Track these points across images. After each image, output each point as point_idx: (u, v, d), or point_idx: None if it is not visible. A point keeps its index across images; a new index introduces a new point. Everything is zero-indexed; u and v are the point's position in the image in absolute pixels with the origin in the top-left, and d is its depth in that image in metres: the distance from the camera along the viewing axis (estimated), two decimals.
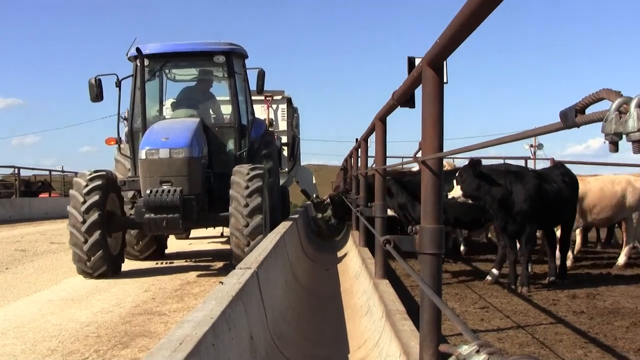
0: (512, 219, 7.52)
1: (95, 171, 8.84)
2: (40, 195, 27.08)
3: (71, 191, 8.60)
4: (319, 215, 15.98)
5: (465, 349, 1.55)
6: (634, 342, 5.15)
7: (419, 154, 3.18)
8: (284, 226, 8.86)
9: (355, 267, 8.08)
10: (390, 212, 9.26)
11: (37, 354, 4.80)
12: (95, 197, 8.47)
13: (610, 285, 7.93)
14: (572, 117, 1.48)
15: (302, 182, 18.17)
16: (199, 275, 8.77)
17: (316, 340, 5.01)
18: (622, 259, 9.52)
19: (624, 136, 1.28)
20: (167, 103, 10.83)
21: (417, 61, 3.44)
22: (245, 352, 3.41)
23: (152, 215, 8.44)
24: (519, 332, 5.41)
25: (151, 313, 6.30)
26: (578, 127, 1.49)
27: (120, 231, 9.38)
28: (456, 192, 7.57)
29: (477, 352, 1.52)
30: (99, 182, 8.62)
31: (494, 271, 8.02)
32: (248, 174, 8.74)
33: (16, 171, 25.03)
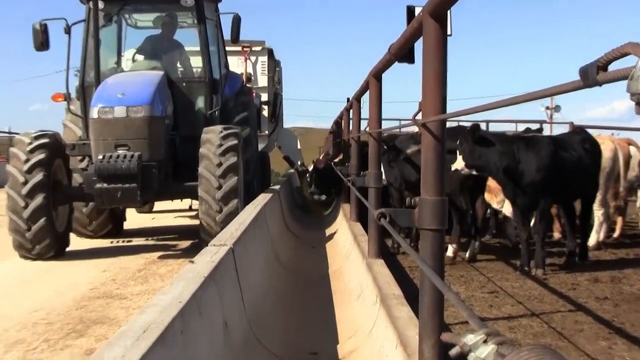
0: (522, 191, 7.61)
1: (41, 130, 8.81)
2: None
3: (12, 149, 8.55)
4: (309, 191, 16.06)
5: (470, 339, 1.53)
6: None
7: (419, 116, 3.21)
8: (264, 198, 8.91)
9: (345, 245, 8.18)
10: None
11: None
12: (40, 156, 8.42)
13: (638, 267, 8.07)
14: (594, 75, 1.49)
15: (285, 147, 18.19)
16: (164, 254, 8.85)
17: (301, 329, 5.09)
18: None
19: None
20: (127, 54, 10.73)
21: (418, 10, 3.45)
22: (219, 341, 3.47)
23: (105, 185, 8.28)
24: (533, 321, 5.51)
25: (110, 296, 6.36)
26: (600, 85, 1.50)
27: (66, 204, 9.24)
28: (459, 163, 7.64)
29: (485, 342, 1.50)
30: (45, 140, 8.58)
31: (453, 245, 8.28)
32: (221, 132, 8.77)
33: None
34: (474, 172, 7.80)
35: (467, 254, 8.43)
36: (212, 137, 8.71)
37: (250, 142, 10.66)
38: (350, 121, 10.65)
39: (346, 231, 8.75)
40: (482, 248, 8.86)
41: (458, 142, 7.63)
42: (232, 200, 8.34)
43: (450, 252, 8.20)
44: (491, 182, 8.72)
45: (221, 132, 8.78)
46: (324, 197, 15.10)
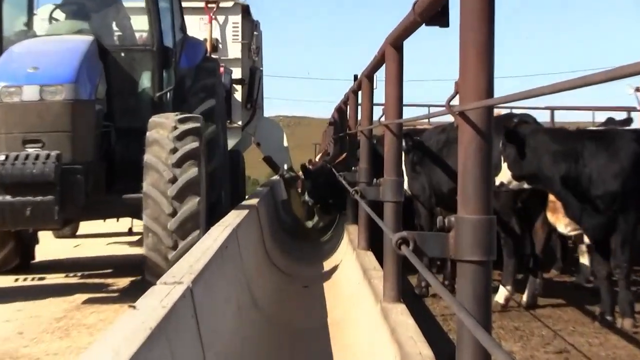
0: (593, 207, 7.55)
1: None
2: None
3: None
4: (309, 224, 16.01)
5: None
6: None
7: (455, 101, 3.24)
8: (236, 216, 8.91)
9: (351, 283, 8.19)
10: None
11: None
12: None
13: None
14: None
15: (267, 144, 18.15)
16: (93, 297, 8.84)
17: None
18: None
19: None
20: (41, 11, 10.76)
21: None
22: None
23: (8, 197, 8.20)
24: None
25: (15, 358, 6.35)
26: None
27: None
28: (504, 174, 7.64)
29: None
30: None
31: (506, 287, 8.23)
32: (175, 127, 8.75)
33: None
34: (526, 186, 7.81)
35: (525, 298, 8.44)
36: (162, 135, 8.69)
37: (217, 143, 10.66)
38: (359, 108, 10.67)
39: (352, 264, 8.76)
40: (545, 288, 8.86)
41: (500, 144, 7.61)
42: (191, 231, 8.34)
43: (501, 295, 8.21)
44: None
45: (175, 127, 8.77)
46: (321, 223, 15.05)
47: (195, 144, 8.65)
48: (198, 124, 8.83)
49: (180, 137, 8.67)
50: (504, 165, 7.63)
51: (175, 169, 8.48)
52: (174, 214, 8.38)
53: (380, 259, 7.04)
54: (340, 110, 15.13)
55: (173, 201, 8.39)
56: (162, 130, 8.74)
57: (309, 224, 15.51)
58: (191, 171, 8.49)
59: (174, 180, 8.44)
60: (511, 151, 7.57)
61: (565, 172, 7.51)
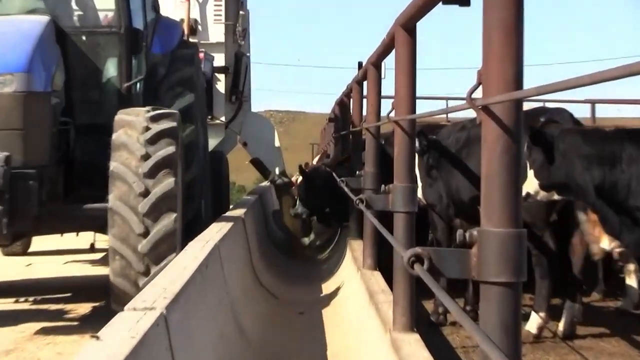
0: (634, 220, 7.56)
1: None
2: None
3: None
4: (306, 241, 15.84)
5: None
6: None
7: (477, 94, 3.24)
8: (218, 230, 8.92)
9: (355, 309, 8.18)
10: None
11: None
12: None
13: None
14: None
15: (255, 144, 18.12)
16: (48, 326, 8.80)
17: None
18: None
19: None
20: None
21: None
22: None
23: None
24: None
25: None
26: None
27: None
28: (531, 183, 7.62)
29: None
30: None
31: (539, 313, 8.21)
32: (147, 128, 8.73)
33: None
34: (556, 197, 7.81)
35: (561, 326, 8.43)
36: (131, 138, 8.63)
37: (197, 145, 10.63)
38: (364, 101, 10.64)
39: (356, 286, 8.75)
40: (585, 315, 8.85)
41: (525, 147, 7.55)
42: (166, 254, 8.30)
43: (533, 323, 8.21)
44: None
45: (147, 128, 8.71)
46: (318, 241, 14.99)
47: (171, 149, 8.60)
48: (174, 123, 8.79)
49: (153, 140, 8.62)
50: (530, 173, 7.61)
51: (147, 179, 8.43)
52: (145, 233, 8.34)
53: (389, 280, 7.03)
54: (342, 104, 15.07)
55: (145, 219, 8.34)
56: (131, 130, 8.69)
57: (305, 240, 15.41)
58: (166, 182, 8.45)
59: (145, 193, 8.40)
60: (538, 156, 7.55)
61: (600, 180, 7.49)
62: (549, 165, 7.56)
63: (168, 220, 8.38)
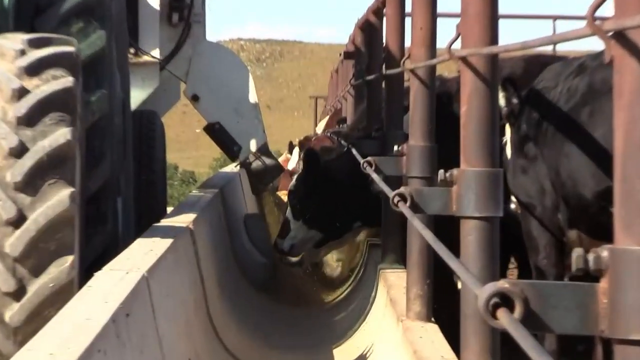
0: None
1: None
2: None
3: None
4: (303, 269, 11.85)
5: None
6: None
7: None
8: (147, 251, 6.77)
9: None
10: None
11: None
12: None
13: None
14: None
15: (212, 97, 12.60)
16: None
17: None
18: None
19: None
20: None
21: None
22: None
23: None
24: None
25: None
26: None
27: None
28: None
29: None
30: None
31: None
32: (23, 52, 6.70)
33: None
34: None
35: None
36: None
37: (110, 123, 8.16)
38: (408, 22, 7.47)
39: (397, 350, 6.46)
40: None
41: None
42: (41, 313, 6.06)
43: None
44: None
45: (23, 52, 6.68)
46: (326, 269, 12.25)
47: (67, 81, 6.66)
48: (71, 48, 6.86)
49: (34, 70, 6.59)
50: None
51: (18, 193, 6.22)
52: (18, 293, 6.23)
53: (452, 335, 5.34)
54: (369, 28, 11.00)
55: (17, 266, 6.23)
56: None
57: (302, 268, 11.49)
58: (56, 199, 6.34)
59: (16, 223, 6.15)
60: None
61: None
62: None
63: (58, 269, 6.24)
